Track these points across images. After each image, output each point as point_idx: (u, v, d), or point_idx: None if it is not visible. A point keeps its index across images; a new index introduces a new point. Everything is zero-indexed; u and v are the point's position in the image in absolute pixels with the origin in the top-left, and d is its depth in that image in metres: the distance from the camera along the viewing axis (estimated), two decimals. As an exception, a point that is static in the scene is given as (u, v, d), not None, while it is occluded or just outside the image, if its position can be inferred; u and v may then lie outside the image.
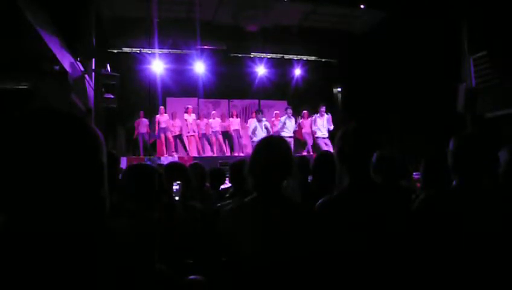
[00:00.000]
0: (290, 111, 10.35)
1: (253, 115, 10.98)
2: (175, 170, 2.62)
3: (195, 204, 2.59)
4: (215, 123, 11.17)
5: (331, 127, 10.11)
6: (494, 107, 7.53)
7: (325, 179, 2.62)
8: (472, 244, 1.53)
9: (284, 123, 10.16)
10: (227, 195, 3.31)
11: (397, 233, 1.57)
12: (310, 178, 3.03)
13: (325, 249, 1.53)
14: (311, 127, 10.50)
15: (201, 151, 11.08)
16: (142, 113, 11.09)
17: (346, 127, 1.71)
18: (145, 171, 2.02)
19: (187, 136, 11.05)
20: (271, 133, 10.02)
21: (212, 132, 11.10)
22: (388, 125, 10.10)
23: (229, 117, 11.60)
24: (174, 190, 2.36)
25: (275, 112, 11.50)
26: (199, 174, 3.23)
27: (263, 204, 1.58)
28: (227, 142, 11.39)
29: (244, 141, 11.58)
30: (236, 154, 10.82)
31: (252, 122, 10.39)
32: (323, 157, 2.80)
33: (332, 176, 2.56)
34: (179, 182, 2.38)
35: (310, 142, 10.70)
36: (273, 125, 10.63)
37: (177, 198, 2.34)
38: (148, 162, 9.20)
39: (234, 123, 11.35)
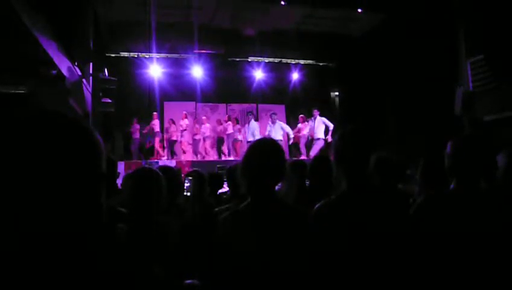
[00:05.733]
0: (274, 117, 10.91)
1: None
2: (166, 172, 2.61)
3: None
4: (206, 128, 11.42)
5: (331, 126, 10.26)
6: (492, 110, 7.56)
7: (323, 183, 2.62)
8: (470, 247, 1.53)
9: (269, 130, 10.64)
10: (225, 198, 3.31)
11: (395, 236, 1.56)
12: (307, 182, 3.02)
13: (323, 252, 1.52)
14: (309, 131, 10.69)
15: (194, 156, 11.21)
16: (135, 120, 11.23)
17: (343, 129, 1.70)
18: (145, 175, 1.97)
19: (181, 141, 11.31)
20: (256, 137, 10.19)
21: (204, 137, 11.34)
22: (386, 128, 10.12)
23: (226, 121, 11.72)
24: (186, 187, 2.39)
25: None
26: (199, 182, 3.18)
27: (258, 209, 1.57)
28: (221, 147, 11.56)
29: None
30: (234, 158, 10.82)
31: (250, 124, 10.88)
32: (320, 160, 2.80)
33: (329, 179, 2.57)
34: (190, 177, 2.42)
35: (302, 143, 10.83)
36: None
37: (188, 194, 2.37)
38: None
39: (228, 128, 11.44)
